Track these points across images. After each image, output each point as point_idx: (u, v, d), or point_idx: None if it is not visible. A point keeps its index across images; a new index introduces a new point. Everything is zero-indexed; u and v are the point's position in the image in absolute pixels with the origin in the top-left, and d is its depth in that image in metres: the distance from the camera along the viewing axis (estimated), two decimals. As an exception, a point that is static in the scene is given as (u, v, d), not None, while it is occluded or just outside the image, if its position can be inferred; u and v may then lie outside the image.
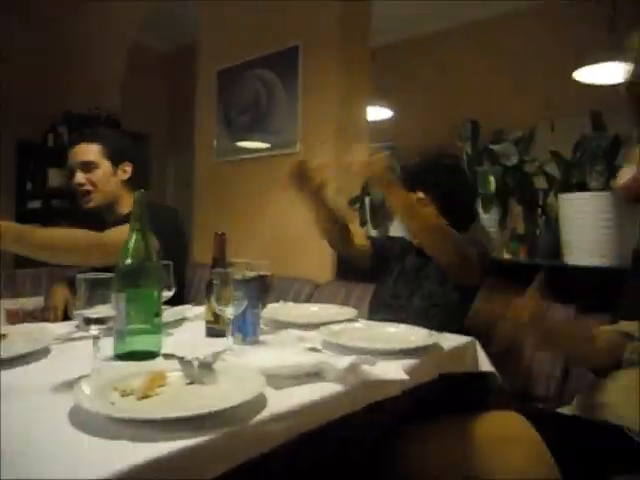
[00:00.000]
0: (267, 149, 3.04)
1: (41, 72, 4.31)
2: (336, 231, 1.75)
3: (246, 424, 0.74)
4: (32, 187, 4.31)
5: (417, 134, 4.06)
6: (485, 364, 1.29)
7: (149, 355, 1.06)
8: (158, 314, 1.11)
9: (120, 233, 1.23)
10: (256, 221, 3.08)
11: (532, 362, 1.71)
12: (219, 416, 0.72)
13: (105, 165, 1.78)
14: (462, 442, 1.20)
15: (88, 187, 1.76)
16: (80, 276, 0.92)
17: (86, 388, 0.79)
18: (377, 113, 4.33)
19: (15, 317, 1.87)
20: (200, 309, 1.43)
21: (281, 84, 2.96)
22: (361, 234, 1.87)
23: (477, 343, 1.31)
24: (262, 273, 1.26)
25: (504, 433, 1.20)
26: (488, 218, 2.06)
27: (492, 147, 2.17)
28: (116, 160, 1.80)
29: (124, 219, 1.17)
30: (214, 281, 1.12)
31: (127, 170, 1.82)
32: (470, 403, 1.31)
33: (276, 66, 2.98)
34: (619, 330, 1.40)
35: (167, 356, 1.05)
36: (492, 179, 1.99)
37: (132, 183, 1.82)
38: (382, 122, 4.49)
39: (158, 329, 1.10)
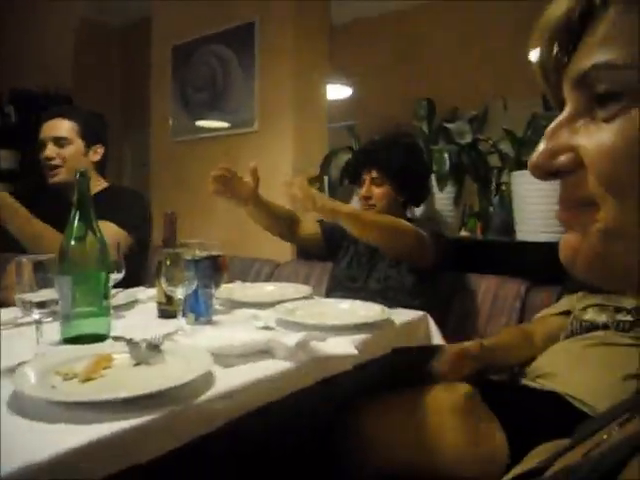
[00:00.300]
0: (225, 128, 2.99)
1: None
2: (280, 226, 1.75)
3: (191, 402, 0.74)
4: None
5: (377, 113, 4.05)
6: (437, 337, 1.33)
7: (98, 338, 1.04)
8: (106, 296, 1.08)
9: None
10: (215, 201, 3.04)
11: (487, 333, 1.76)
12: (163, 396, 0.72)
13: (78, 143, 1.77)
14: (414, 414, 1.24)
15: (57, 162, 1.74)
16: (20, 258, 0.89)
17: (27, 373, 0.77)
18: (337, 92, 4.31)
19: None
20: (153, 291, 1.41)
21: (237, 61, 2.89)
22: (311, 219, 1.86)
23: (429, 317, 1.34)
24: (214, 253, 1.25)
25: (453, 404, 1.24)
26: (443, 197, 2.09)
27: (447, 125, 2.19)
28: (89, 140, 1.79)
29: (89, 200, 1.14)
30: (164, 262, 1.10)
31: (99, 152, 1.82)
32: (423, 376, 1.35)
33: (232, 42, 2.91)
34: (558, 312, 1.47)
35: (117, 339, 1.03)
36: (447, 157, 2.01)
37: (101, 166, 1.84)
38: (342, 101, 4.48)
39: (106, 311, 1.08)
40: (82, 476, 0.61)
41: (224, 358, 0.89)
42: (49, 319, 1.02)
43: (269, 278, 2.40)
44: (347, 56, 4.17)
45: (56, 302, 0.97)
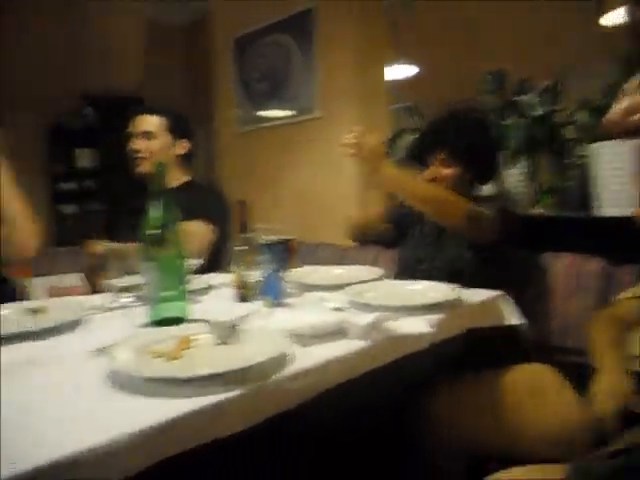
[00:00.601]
0: (287, 117, 3.02)
1: (64, 54, 4.35)
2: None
3: (269, 381, 0.76)
4: (63, 168, 4.41)
5: (442, 90, 3.94)
6: (514, 317, 1.28)
7: (177, 321, 1.09)
8: (183, 282, 1.13)
9: None
10: (280, 188, 3.10)
11: (565, 314, 1.68)
12: (245, 373, 0.75)
13: (164, 137, 1.88)
14: (491, 396, 1.21)
15: (144, 154, 1.86)
16: (108, 246, 0.95)
17: (121, 353, 0.83)
18: (399, 71, 4.22)
19: (56, 292, 1.95)
20: (226, 276, 1.46)
21: (298, 49, 2.91)
22: (375, 212, 1.87)
23: (506, 297, 1.29)
24: (285, 237, 1.27)
25: (534, 386, 1.20)
26: (514, 173, 2.01)
27: (517, 99, 2.09)
28: (176, 135, 1.91)
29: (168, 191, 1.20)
30: (238, 247, 1.14)
31: (184, 146, 1.94)
32: (500, 357, 1.31)
33: (292, 30, 2.93)
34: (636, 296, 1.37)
35: (195, 321, 1.08)
36: (517, 132, 1.92)
37: (185, 160, 1.96)
38: (405, 80, 4.38)
39: (184, 296, 1.13)
40: (177, 448, 0.65)
41: (299, 338, 0.91)
42: (138, 303, 1.09)
43: (336, 262, 2.41)
44: (411, 34, 4.07)
45: (140, 287, 1.04)
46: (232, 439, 0.71)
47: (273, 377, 0.77)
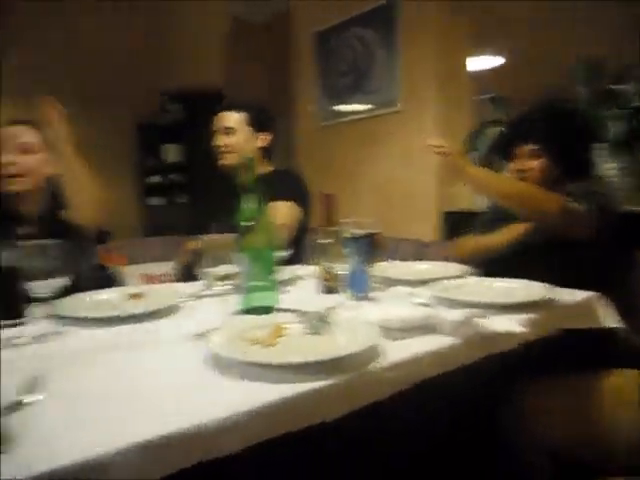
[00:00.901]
0: (368, 110, 3.02)
1: (152, 54, 4.60)
2: None
3: (363, 371, 0.78)
4: (152, 163, 4.66)
5: (528, 79, 3.77)
6: (611, 319, 1.21)
7: (267, 310, 1.13)
8: (273, 272, 1.17)
9: None
10: (359, 183, 3.10)
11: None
12: (341, 363, 0.77)
13: (245, 131, 1.96)
14: (584, 400, 1.16)
15: (226, 149, 1.95)
16: (205, 241, 1.01)
17: (219, 338, 0.87)
18: (485, 62, 4.08)
19: (149, 279, 2.09)
20: (310, 268, 1.49)
21: (379, 41, 2.89)
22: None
23: (602, 298, 1.23)
24: (371, 231, 1.28)
25: (631, 393, 1.13)
26: (613, 167, 1.89)
27: (615, 88, 1.96)
28: (256, 128, 1.97)
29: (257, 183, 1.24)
30: (324, 240, 1.16)
31: (265, 139, 2.00)
32: (594, 360, 1.25)
33: (373, 23, 2.92)
34: None
35: (284, 310, 1.11)
36: (616, 124, 1.81)
37: (267, 152, 2.01)
38: (490, 71, 4.23)
39: (274, 286, 1.17)
40: (274, 430, 0.68)
41: (388, 332, 0.92)
42: (230, 291, 1.14)
43: (417, 258, 2.39)
44: (497, 23, 3.92)
45: (233, 276, 1.09)
46: (321, 427, 0.73)
47: (368, 367, 0.78)
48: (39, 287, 0.99)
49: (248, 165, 1.20)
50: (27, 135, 1.53)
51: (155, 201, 4.64)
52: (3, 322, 0.99)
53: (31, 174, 1.51)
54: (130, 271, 2.44)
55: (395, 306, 1.10)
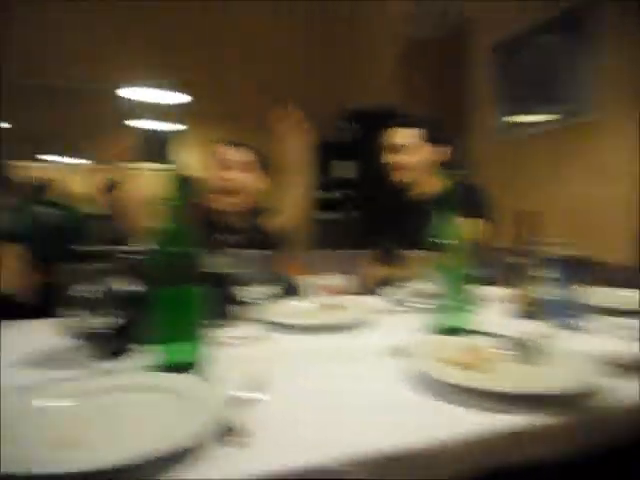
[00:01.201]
0: (554, 121, 2.79)
1: (330, 75, 4.88)
2: None
3: (585, 410, 0.70)
4: (326, 179, 4.91)
5: None
6: None
7: (458, 331, 1.09)
8: (466, 291, 1.13)
9: None
10: (550, 201, 2.87)
11: None
12: (557, 399, 0.70)
13: (418, 148, 1.93)
14: None
15: (397, 166, 1.94)
16: (413, 254, 1.00)
17: (421, 357, 0.86)
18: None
19: (330, 291, 2.16)
20: (499, 290, 1.41)
21: (565, 49, 2.66)
22: None
23: None
24: (576, 253, 1.16)
25: None
26: None
27: None
28: (432, 143, 1.94)
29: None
30: (523, 261, 1.09)
31: (443, 152, 1.95)
32: None
33: (558, 30, 2.70)
34: None
35: (476, 332, 1.06)
36: None
37: (447, 165, 1.95)
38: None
39: (467, 306, 1.12)
40: (490, 462, 0.64)
41: (613, 368, 0.82)
42: (421, 308, 1.13)
43: (611, 284, 2.12)
44: None
45: (427, 294, 1.07)
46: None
47: (595, 406, 0.70)
48: (252, 293, 1.08)
49: (444, 187, 1.18)
50: (245, 155, 1.70)
51: (328, 215, 4.87)
52: (218, 322, 1.10)
53: (246, 190, 1.69)
54: (308, 282, 2.57)
55: (610, 339, 0.98)
